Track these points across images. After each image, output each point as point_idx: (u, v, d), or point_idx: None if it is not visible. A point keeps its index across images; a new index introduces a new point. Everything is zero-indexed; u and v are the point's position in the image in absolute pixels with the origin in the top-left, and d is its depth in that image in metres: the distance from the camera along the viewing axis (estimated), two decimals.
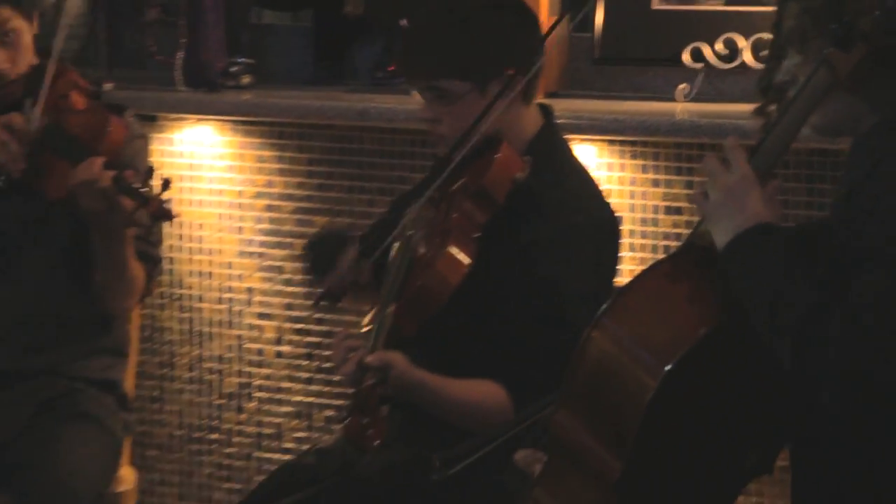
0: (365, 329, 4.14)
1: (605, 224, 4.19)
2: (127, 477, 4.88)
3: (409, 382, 3.99)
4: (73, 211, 4.45)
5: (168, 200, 4.36)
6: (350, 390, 4.00)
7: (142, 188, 4.30)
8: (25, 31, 4.60)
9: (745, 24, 5.00)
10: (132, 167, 4.44)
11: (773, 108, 3.55)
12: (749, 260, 3.42)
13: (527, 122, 4.20)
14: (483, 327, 4.06)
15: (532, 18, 4.27)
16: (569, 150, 4.29)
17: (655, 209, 4.92)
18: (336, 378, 5.21)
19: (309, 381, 5.39)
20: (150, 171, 4.44)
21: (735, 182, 3.40)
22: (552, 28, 4.49)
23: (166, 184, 4.36)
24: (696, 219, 4.07)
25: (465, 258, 4.07)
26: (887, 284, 3.26)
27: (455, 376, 4.08)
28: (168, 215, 4.36)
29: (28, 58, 4.61)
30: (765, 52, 4.84)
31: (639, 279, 3.60)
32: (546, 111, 4.26)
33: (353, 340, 4.06)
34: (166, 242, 5.35)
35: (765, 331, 3.36)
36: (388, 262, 4.27)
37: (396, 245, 4.23)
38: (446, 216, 4.12)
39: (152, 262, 4.69)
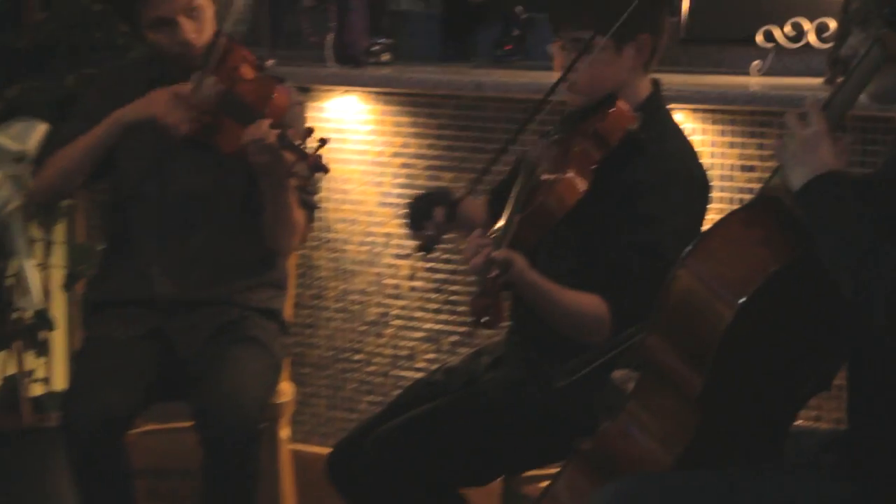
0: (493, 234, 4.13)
1: (697, 177, 4.22)
2: (286, 390, 4.95)
3: (525, 279, 4.02)
4: (244, 164, 4.51)
5: (323, 155, 4.41)
6: (477, 278, 4.02)
7: (301, 145, 4.35)
8: (208, 7, 4.63)
9: (810, 9, 5.00)
10: (293, 128, 4.48)
11: (839, 79, 3.59)
12: (820, 201, 3.43)
13: (641, 87, 4.24)
14: (589, 249, 4.12)
15: None
16: (671, 116, 4.33)
17: (731, 167, 4.95)
18: (462, 301, 5.31)
19: (437, 311, 5.42)
20: (309, 131, 4.44)
21: (811, 135, 3.42)
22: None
23: (323, 142, 4.39)
24: (766, 176, 4.12)
25: (581, 184, 4.12)
26: None
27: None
28: (324, 168, 4.40)
29: (209, 32, 4.63)
30: (827, 34, 4.91)
31: (718, 226, 3.65)
32: (655, 82, 4.29)
33: (484, 239, 4.05)
34: (322, 194, 5.43)
35: (830, 262, 3.38)
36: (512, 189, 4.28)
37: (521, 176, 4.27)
38: (568, 151, 4.15)
39: (311, 208, 4.73)
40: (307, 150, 4.37)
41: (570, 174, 4.12)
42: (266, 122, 4.41)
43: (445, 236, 4.29)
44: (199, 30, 4.62)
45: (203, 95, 4.53)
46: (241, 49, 4.65)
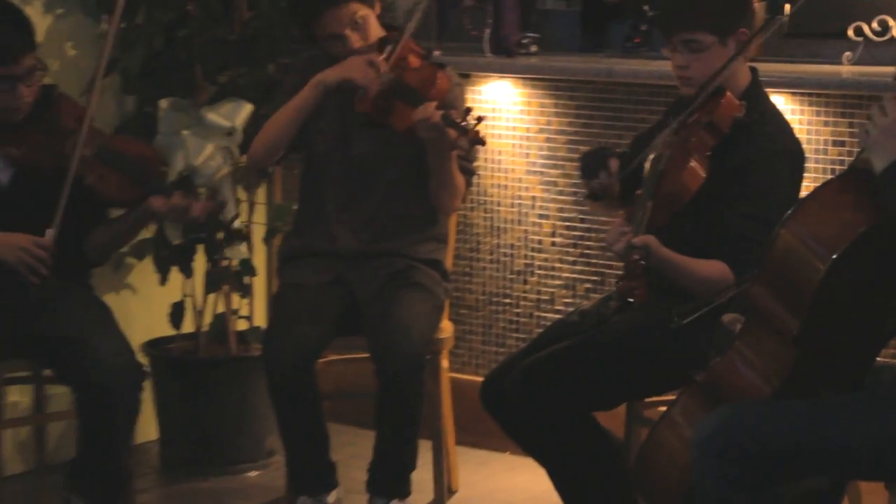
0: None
1: (796, 152, 4.22)
2: (446, 328, 4.96)
3: (661, 257, 4.06)
4: (413, 138, 4.55)
5: (480, 130, 4.44)
6: (620, 262, 4.09)
7: (462, 122, 4.38)
8: (371, 16, 4.66)
9: (894, 9, 4.96)
10: (453, 107, 4.50)
11: None
12: None
13: (742, 76, 4.25)
14: (708, 221, 4.12)
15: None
16: (769, 99, 4.32)
17: (825, 143, 4.91)
18: (594, 255, 5.31)
19: (574, 262, 5.40)
20: (468, 110, 4.46)
21: (889, 123, 3.41)
22: (768, 22, 4.48)
23: (480, 119, 4.42)
24: (855, 150, 4.09)
25: (701, 171, 4.14)
26: None
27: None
28: (481, 141, 4.44)
29: (375, 34, 4.67)
30: None
31: (814, 193, 3.64)
32: (753, 70, 4.29)
33: (624, 226, 4.11)
34: (478, 165, 5.45)
35: None
36: (641, 176, 4.29)
37: (647, 163, 4.27)
38: (686, 141, 4.17)
39: (469, 174, 4.74)
40: (467, 126, 4.40)
41: (692, 163, 4.15)
42: (432, 105, 4.45)
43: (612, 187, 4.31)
44: (365, 37, 4.67)
45: (384, 73, 4.56)
46: (410, 41, 4.67)
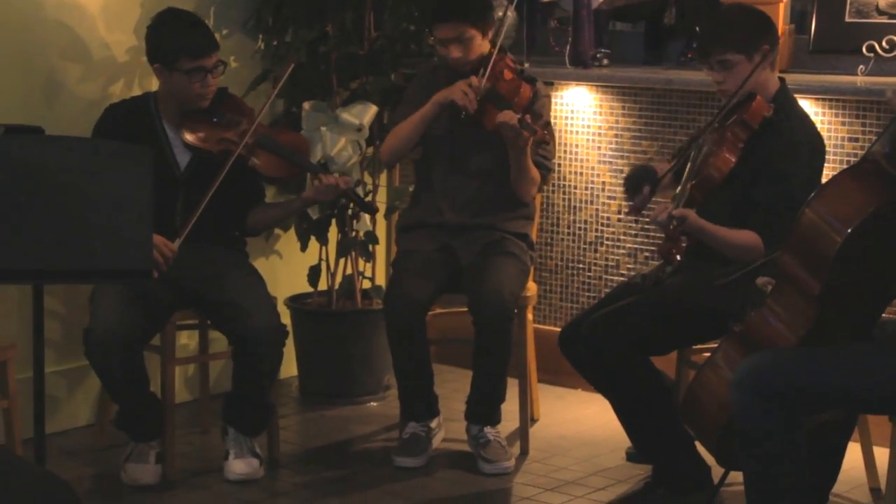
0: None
1: (817, 144, 4.22)
2: (531, 288, 4.95)
3: (698, 226, 4.06)
4: (500, 136, 4.58)
5: (547, 134, 4.54)
6: (662, 231, 4.09)
7: (533, 126, 4.45)
8: (478, 37, 4.67)
9: None
10: (536, 114, 4.58)
11: None
12: None
13: (771, 83, 4.24)
14: (742, 199, 4.10)
15: (768, 18, 4.30)
16: (796, 101, 4.31)
17: (842, 139, 4.88)
18: (652, 229, 5.28)
19: (636, 235, 5.38)
20: (540, 118, 4.57)
21: None
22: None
23: (546, 124, 4.57)
24: (867, 145, 4.06)
25: (732, 158, 4.16)
26: None
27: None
28: (546, 141, 4.57)
29: (479, 51, 4.68)
30: None
31: (833, 179, 3.65)
32: (782, 79, 4.28)
33: (667, 202, 4.12)
34: (557, 155, 5.45)
35: None
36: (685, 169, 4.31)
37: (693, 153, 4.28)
38: (723, 136, 4.18)
39: (545, 168, 4.75)
40: (537, 129, 4.48)
41: (725, 152, 4.16)
42: (510, 113, 4.52)
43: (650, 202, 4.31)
44: (466, 52, 4.69)
45: (481, 87, 4.59)
46: (507, 58, 4.71)
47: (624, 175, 4.57)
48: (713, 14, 4.50)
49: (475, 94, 4.60)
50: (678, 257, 4.05)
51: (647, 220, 4.32)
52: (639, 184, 4.31)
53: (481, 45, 4.72)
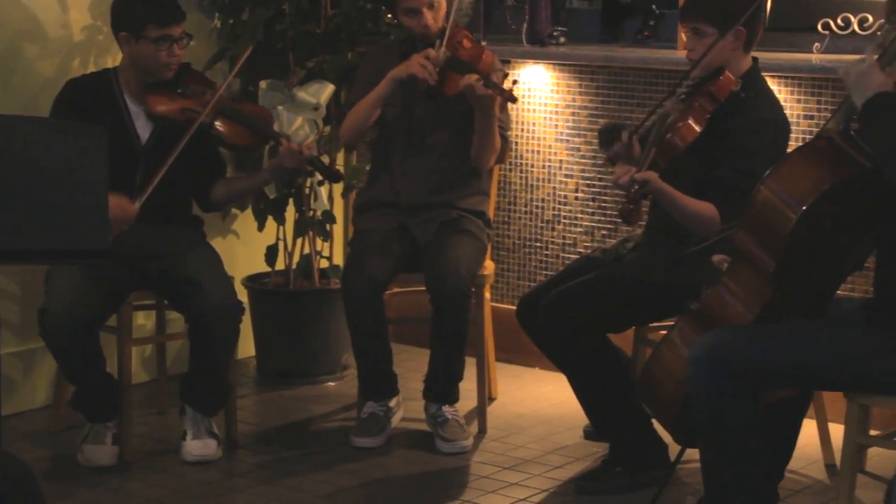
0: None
1: (780, 123, 4.22)
2: (488, 266, 4.94)
3: (659, 189, 4.07)
4: (461, 108, 4.59)
5: (513, 90, 4.52)
6: (624, 193, 4.09)
7: (500, 84, 4.48)
8: (444, 4, 4.68)
9: (855, 7, 4.92)
10: (501, 74, 4.64)
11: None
12: (878, 112, 3.42)
13: (744, 63, 4.25)
14: (704, 171, 4.11)
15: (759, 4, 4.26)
16: (765, 82, 4.31)
17: (798, 116, 4.87)
18: (609, 207, 5.28)
19: (592, 213, 5.37)
20: (504, 75, 4.62)
21: (866, 68, 3.43)
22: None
23: (514, 81, 4.56)
24: (822, 122, 4.07)
25: (697, 127, 4.15)
26: None
27: None
28: (514, 98, 4.55)
29: (442, 21, 4.69)
30: (867, 24, 4.83)
31: (788, 156, 3.67)
32: (755, 59, 4.29)
33: (630, 165, 4.13)
34: (514, 134, 5.45)
35: (886, 166, 3.36)
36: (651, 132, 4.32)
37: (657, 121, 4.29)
38: (690, 105, 4.17)
39: (504, 139, 4.75)
40: (503, 87, 4.49)
41: (691, 121, 4.15)
42: (474, 76, 4.52)
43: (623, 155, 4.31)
44: (436, 18, 4.68)
45: (440, 58, 4.58)
46: (464, 30, 4.74)
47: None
48: None
49: (434, 65, 4.59)
50: (637, 219, 4.07)
51: (610, 183, 4.32)
52: (615, 132, 4.34)
53: (444, 15, 4.72)
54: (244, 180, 4.84)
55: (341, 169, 5.54)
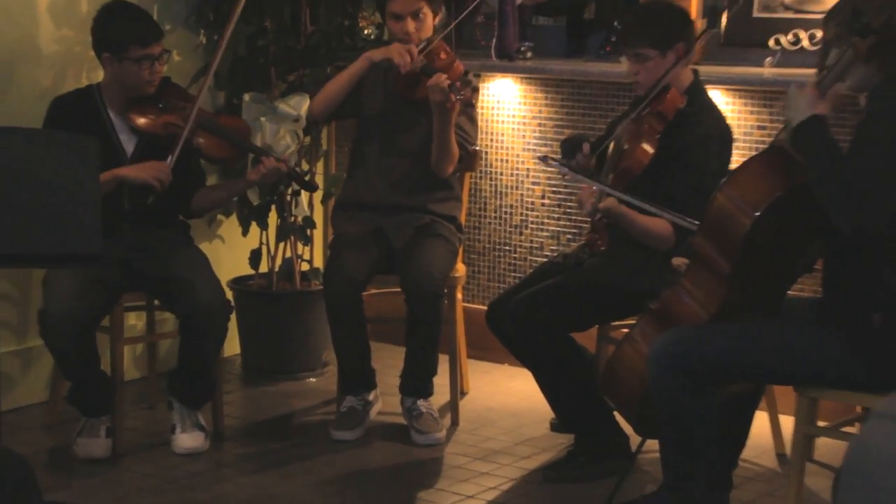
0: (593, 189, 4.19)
1: (725, 136, 4.23)
2: (460, 268, 4.95)
3: (619, 214, 4.07)
4: (426, 106, 4.58)
5: (474, 98, 4.59)
6: (587, 219, 4.13)
7: (462, 90, 4.47)
8: (429, 15, 4.69)
9: (805, 25, 4.94)
10: (466, 82, 4.58)
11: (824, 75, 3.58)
12: (807, 133, 3.46)
13: (685, 77, 4.25)
14: (657, 189, 4.11)
15: (688, 18, 4.30)
16: (707, 94, 4.32)
17: (751, 127, 4.91)
18: (573, 213, 5.29)
19: (558, 218, 5.38)
20: (469, 84, 4.57)
21: (805, 93, 3.47)
22: (702, 33, 4.48)
23: (475, 89, 4.64)
24: (774, 133, 4.09)
25: (650, 149, 4.16)
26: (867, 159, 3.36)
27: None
28: (473, 105, 4.63)
29: (427, 31, 4.70)
30: (815, 40, 4.85)
31: (743, 165, 3.68)
32: (695, 72, 4.30)
33: (591, 192, 4.13)
34: (484, 143, 5.45)
35: (814, 184, 3.40)
36: (606, 155, 4.33)
37: (612, 145, 4.30)
38: (640, 128, 4.18)
39: (463, 149, 4.73)
40: (464, 93, 4.49)
41: (644, 144, 4.16)
42: (443, 76, 4.50)
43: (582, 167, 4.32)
44: (419, 29, 4.69)
45: (417, 62, 4.60)
46: (443, 44, 4.73)
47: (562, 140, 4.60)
48: (637, 7, 4.49)
49: (411, 57, 4.60)
50: (602, 248, 4.09)
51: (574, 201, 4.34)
52: (577, 144, 4.33)
53: (430, 27, 4.73)
54: (222, 190, 4.84)
55: (320, 177, 5.56)
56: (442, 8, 4.92)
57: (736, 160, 4.24)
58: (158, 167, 4.40)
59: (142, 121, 4.48)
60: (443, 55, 4.67)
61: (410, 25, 4.67)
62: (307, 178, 4.76)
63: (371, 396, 4.78)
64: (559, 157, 4.45)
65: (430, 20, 4.71)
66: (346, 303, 4.60)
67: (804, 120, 3.45)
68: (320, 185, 5.47)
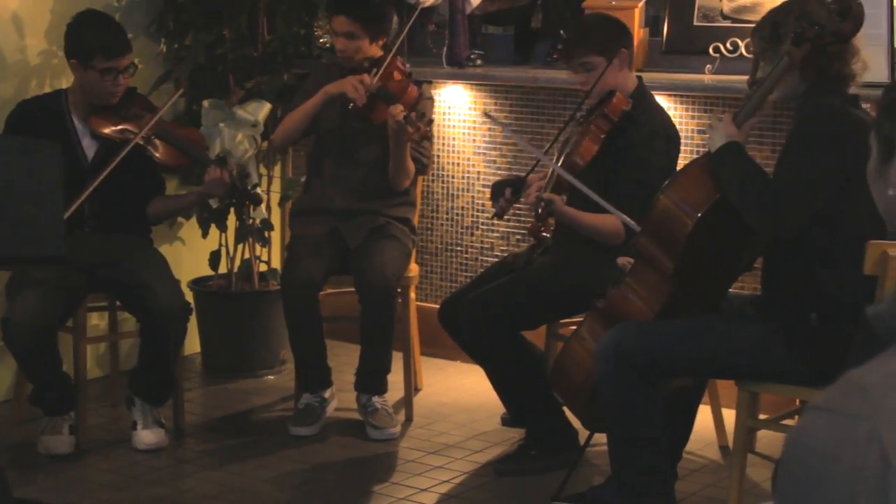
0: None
1: (671, 134, 4.25)
2: (413, 269, 4.96)
3: (561, 210, 4.09)
4: (384, 130, 4.58)
5: (429, 131, 4.58)
6: (531, 210, 4.12)
7: (417, 123, 4.45)
8: (365, 41, 4.68)
9: (742, 33, 4.92)
10: (420, 113, 4.57)
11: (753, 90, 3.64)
12: (725, 160, 3.53)
13: (629, 81, 4.27)
14: (603, 186, 4.11)
15: (625, 26, 4.32)
16: (652, 96, 4.35)
17: (692, 131, 4.91)
18: (522, 215, 5.32)
19: (508, 220, 5.28)
20: (424, 116, 4.56)
21: (723, 124, 3.54)
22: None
23: (429, 122, 4.59)
24: None
25: (594, 147, 4.17)
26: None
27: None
28: (428, 137, 4.62)
29: (364, 54, 4.70)
30: (750, 51, 4.90)
31: (685, 168, 3.74)
32: (640, 77, 4.32)
33: (536, 184, 4.16)
34: (436, 148, 5.46)
35: (733, 199, 3.48)
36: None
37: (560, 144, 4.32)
38: (587, 128, 4.20)
39: (420, 164, 4.74)
40: (420, 126, 4.47)
41: (588, 142, 4.17)
42: (400, 107, 4.50)
43: (513, 205, 4.32)
44: (351, 49, 4.69)
45: (372, 85, 4.59)
46: (398, 61, 4.71)
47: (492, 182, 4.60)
48: (575, 22, 4.52)
49: (365, 89, 4.60)
50: (545, 234, 4.10)
51: (515, 211, 4.35)
52: (501, 189, 4.32)
53: (368, 49, 4.72)
54: (174, 200, 4.79)
55: (277, 180, 5.55)
56: (390, 26, 4.91)
57: (679, 163, 4.27)
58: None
59: (100, 126, 4.46)
60: (396, 75, 4.67)
61: (341, 43, 4.69)
62: (252, 191, 4.72)
63: (327, 394, 4.78)
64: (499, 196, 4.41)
65: (365, 44, 4.71)
66: (303, 304, 4.59)
67: (722, 145, 3.52)
68: (278, 189, 5.47)
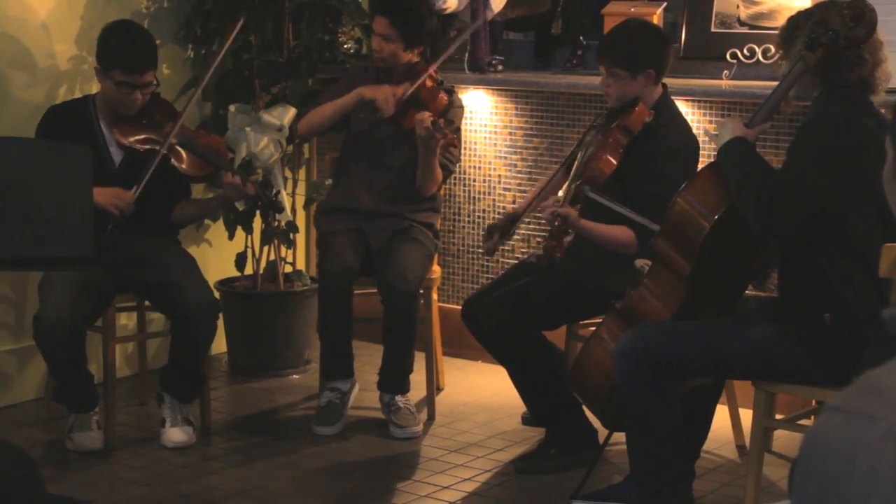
0: (559, 195, 4.20)
1: (690, 148, 4.21)
2: (436, 271, 4.96)
3: (578, 225, 4.07)
4: (414, 135, 4.58)
5: (456, 138, 4.58)
6: (547, 227, 4.11)
7: (445, 129, 4.46)
8: (400, 46, 4.68)
9: (759, 39, 4.95)
10: (448, 121, 4.59)
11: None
12: (730, 150, 3.51)
13: (655, 93, 4.21)
14: (621, 199, 4.10)
15: (664, 43, 4.24)
16: (675, 107, 4.31)
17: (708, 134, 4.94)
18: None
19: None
20: (451, 124, 4.58)
21: (733, 121, 3.57)
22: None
23: (456, 129, 4.60)
24: None
25: (614, 160, 4.14)
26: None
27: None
28: (454, 144, 4.61)
29: (397, 59, 4.71)
30: (770, 54, 4.87)
31: (702, 171, 3.73)
32: (664, 86, 4.27)
33: (553, 201, 4.14)
34: (463, 151, 5.46)
35: (735, 195, 3.47)
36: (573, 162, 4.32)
37: (580, 155, 4.29)
38: (606, 139, 4.17)
39: (447, 170, 4.75)
40: (447, 134, 4.49)
41: (608, 156, 4.13)
42: (427, 114, 4.50)
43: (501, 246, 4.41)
44: (384, 51, 4.70)
45: (406, 94, 4.61)
46: (432, 70, 4.71)
47: (487, 224, 4.60)
48: (617, 25, 4.44)
49: (395, 101, 4.61)
50: (559, 255, 4.07)
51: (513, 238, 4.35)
52: (491, 231, 4.35)
53: (402, 55, 4.71)
54: (198, 206, 4.77)
55: (303, 183, 5.55)
56: (430, 36, 4.87)
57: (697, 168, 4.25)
58: (120, 196, 4.30)
59: (123, 137, 4.45)
60: (428, 82, 4.67)
61: (377, 43, 4.71)
62: (275, 198, 4.68)
63: (347, 386, 4.77)
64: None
65: (400, 49, 4.69)
66: (340, 288, 4.60)
67: (728, 140, 3.52)
68: (303, 193, 5.47)
